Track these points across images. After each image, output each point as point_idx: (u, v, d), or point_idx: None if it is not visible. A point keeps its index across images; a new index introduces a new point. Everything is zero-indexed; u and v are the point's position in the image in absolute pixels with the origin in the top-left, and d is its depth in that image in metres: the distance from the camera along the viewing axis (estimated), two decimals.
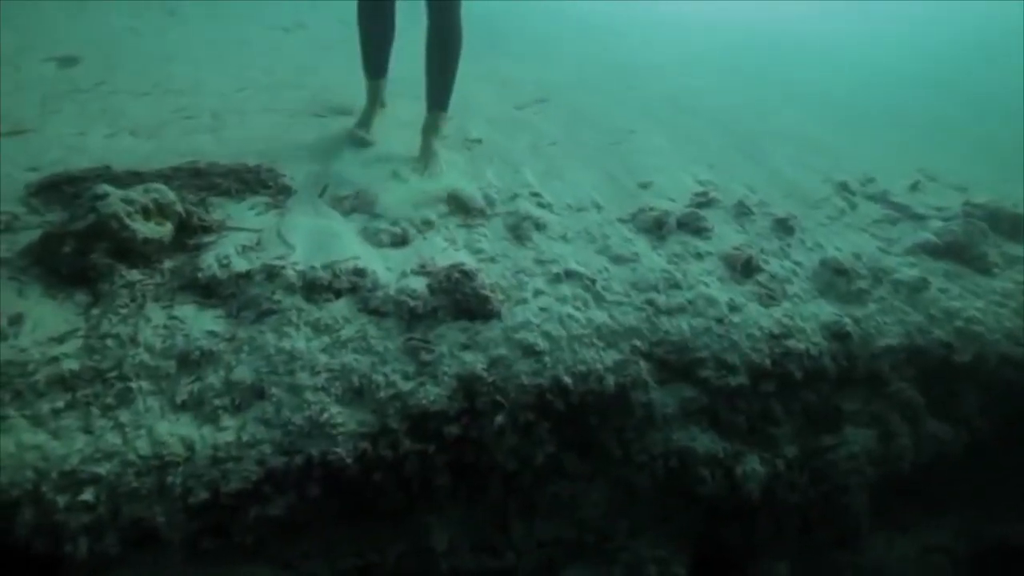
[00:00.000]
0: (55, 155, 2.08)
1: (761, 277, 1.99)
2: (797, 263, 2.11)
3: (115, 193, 1.57)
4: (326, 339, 1.52)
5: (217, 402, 1.38)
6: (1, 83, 2.69)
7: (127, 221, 1.54)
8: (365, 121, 2.48)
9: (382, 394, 1.47)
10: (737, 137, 3.26)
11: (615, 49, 5.12)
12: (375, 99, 2.50)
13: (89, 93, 2.71)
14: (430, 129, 2.35)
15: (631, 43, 5.42)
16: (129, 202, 1.57)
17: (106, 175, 1.87)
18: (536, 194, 2.25)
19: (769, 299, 1.92)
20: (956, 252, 2.26)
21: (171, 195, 1.67)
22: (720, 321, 1.79)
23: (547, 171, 2.50)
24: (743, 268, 1.99)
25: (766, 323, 1.82)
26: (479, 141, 2.71)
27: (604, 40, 5.38)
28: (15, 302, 1.42)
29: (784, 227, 2.27)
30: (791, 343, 1.79)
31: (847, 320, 1.89)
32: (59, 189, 1.77)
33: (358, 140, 2.38)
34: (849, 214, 2.49)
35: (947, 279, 2.16)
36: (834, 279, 2.03)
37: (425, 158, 2.30)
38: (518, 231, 2.00)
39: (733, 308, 1.84)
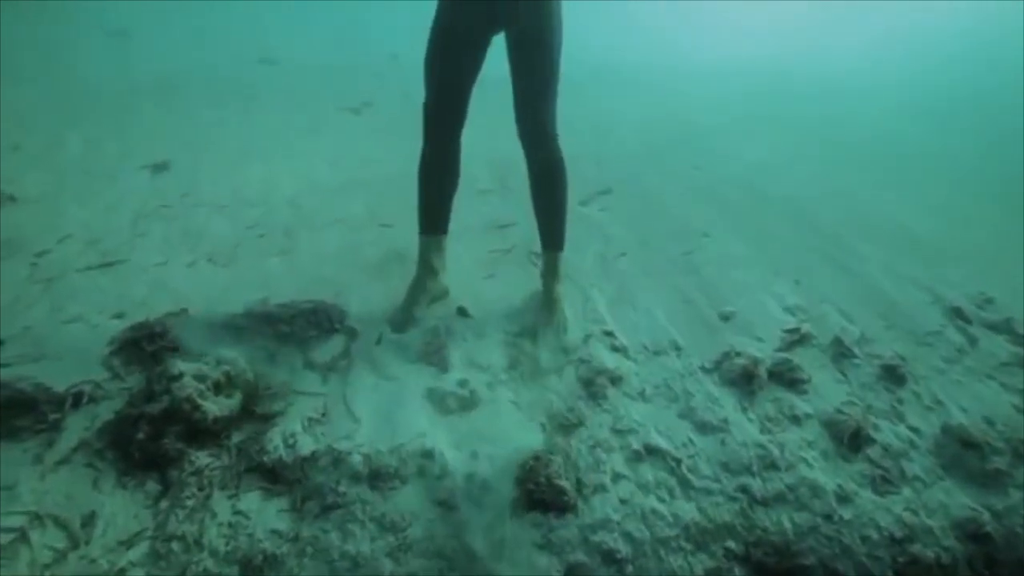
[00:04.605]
0: (139, 294, 2.16)
1: (872, 452, 1.73)
2: (914, 429, 1.83)
3: (188, 371, 1.56)
4: (392, 540, 1.42)
5: None
6: (98, 200, 2.88)
7: (199, 401, 1.53)
8: (415, 297, 2.05)
9: None
10: (820, 235, 3.00)
11: (671, 110, 4.98)
12: (429, 262, 2.08)
13: (175, 208, 2.85)
14: (550, 273, 2.13)
15: (686, 102, 5.26)
16: (201, 379, 1.56)
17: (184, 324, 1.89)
18: (609, 333, 2.11)
19: (885, 483, 1.66)
20: None
21: (241, 363, 1.66)
22: (829, 518, 1.56)
23: (618, 295, 2.36)
24: (850, 441, 1.74)
25: (884, 521, 1.57)
26: None
27: (658, 100, 5.25)
28: (89, 496, 1.41)
29: (893, 375, 2.00)
30: (917, 548, 1.52)
31: (985, 515, 1.60)
32: (139, 347, 1.80)
33: (398, 326, 2.02)
34: (969, 354, 2.17)
35: None
36: (962, 453, 1.75)
37: (550, 315, 2.07)
38: (592, 388, 1.86)
39: (842, 499, 1.60)
